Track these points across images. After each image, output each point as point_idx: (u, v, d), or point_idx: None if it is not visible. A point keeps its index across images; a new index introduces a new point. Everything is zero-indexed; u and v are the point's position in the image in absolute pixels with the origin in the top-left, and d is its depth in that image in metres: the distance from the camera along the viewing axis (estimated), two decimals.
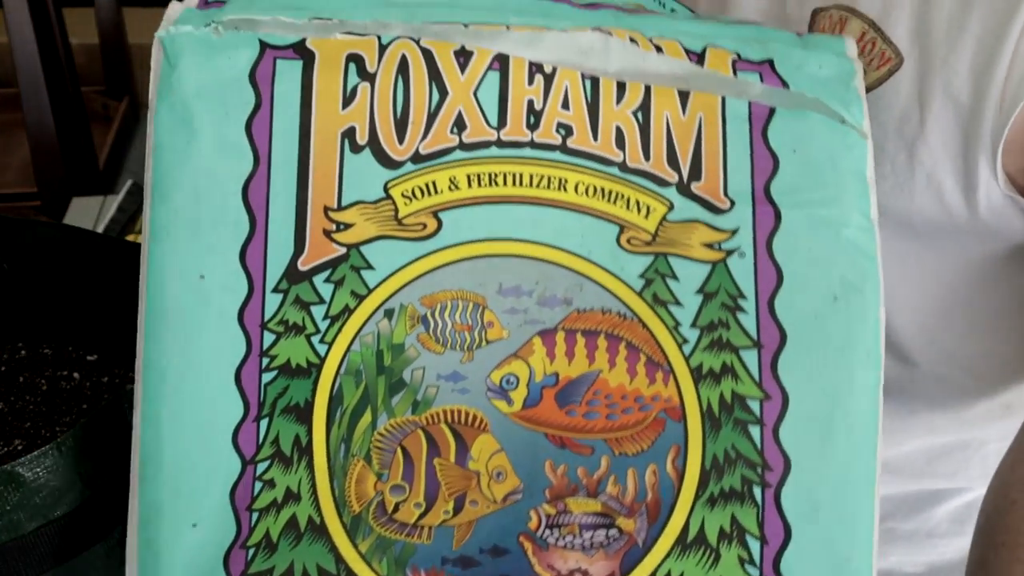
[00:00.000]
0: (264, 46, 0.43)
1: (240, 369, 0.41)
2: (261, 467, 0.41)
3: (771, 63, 0.45)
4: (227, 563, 0.41)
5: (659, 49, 0.44)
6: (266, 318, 0.42)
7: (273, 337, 0.41)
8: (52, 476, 0.48)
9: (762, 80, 0.44)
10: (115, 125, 2.01)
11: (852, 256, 0.43)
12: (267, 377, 0.41)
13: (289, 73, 0.43)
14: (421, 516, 0.41)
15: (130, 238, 1.37)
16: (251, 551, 0.41)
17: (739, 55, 0.44)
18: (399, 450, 0.41)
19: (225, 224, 0.42)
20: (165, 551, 0.41)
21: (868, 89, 0.53)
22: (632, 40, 0.44)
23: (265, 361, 0.41)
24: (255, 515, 0.41)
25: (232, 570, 0.41)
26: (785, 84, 0.44)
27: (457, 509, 0.41)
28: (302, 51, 0.43)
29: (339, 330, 0.42)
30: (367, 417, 0.41)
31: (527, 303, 0.42)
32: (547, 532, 0.41)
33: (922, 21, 0.51)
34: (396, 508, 0.41)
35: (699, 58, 0.44)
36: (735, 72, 0.44)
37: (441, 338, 0.42)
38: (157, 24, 0.47)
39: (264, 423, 0.41)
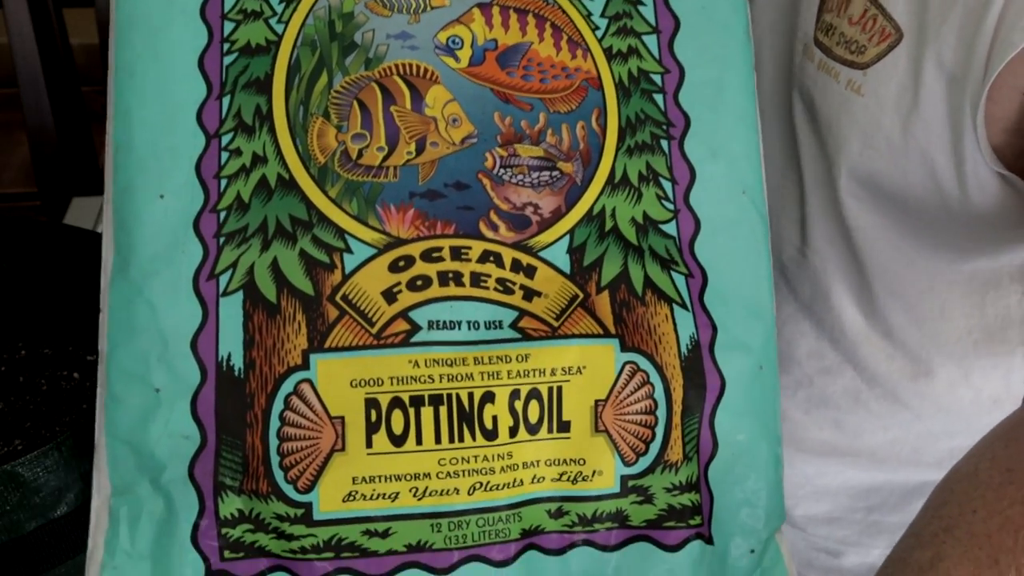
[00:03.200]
0: None
1: (203, 55, 0.47)
2: (226, 138, 0.46)
3: None
4: (197, 226, 0.45)
5: None
6: (226, 9, 0.48)
7: (233, 25, 0.47)
8: (52, 476, 0.48)
9: None
10: None
11: None
12: (228, 59, 0.47)
13: None
14: (385, 158, 0.47)
15: None
16: (222, 213, 0.45)
17: None
18: (355, 103, 0.47)
19: None
20: (135, 224, 0.45)
21: (868, 65, 0.53)
22: None
23: (226, 46, 0.47)
24: (223, 181, 0.45)
25: (203, 232, 0.45)
26: None
27: (419, 150, 0.48)
28: None
29: (293, 10, 0.48)
30: (323, 79, 0.47)
31: None
32: (502, 171, 0.48)
33: None
34: (360, 154, 0.47)
35: None
36: None
37: (388, 3, 0.49)
38: None
39: (227, 99, 0.46)
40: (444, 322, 0.45)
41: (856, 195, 0.58)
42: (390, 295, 0.45)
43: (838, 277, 0.63)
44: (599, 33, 0.51)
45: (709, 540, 0.48)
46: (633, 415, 0.47)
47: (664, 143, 0.51)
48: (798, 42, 0.60)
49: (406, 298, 0.45)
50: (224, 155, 0.46)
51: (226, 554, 0.43)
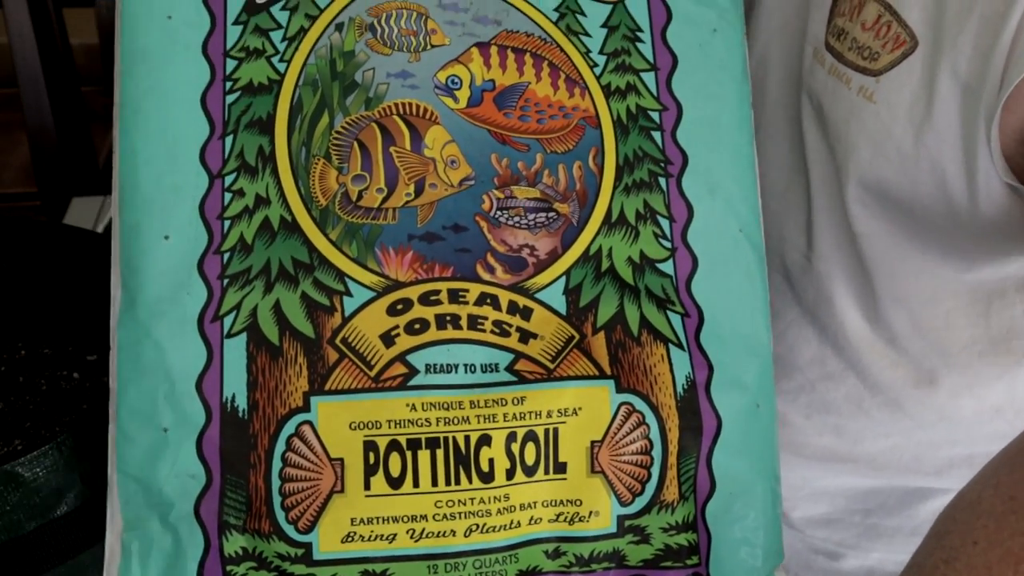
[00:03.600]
0: None
1: (205, 93, 0.47)
2: (229, 179, 0.46)
3: None
4: (202, 268, 0.45)
5: None
6: (228, 46, 0.48)
7: (235, 63, 0.47)
8: (52, 476, 0.48)
9: None
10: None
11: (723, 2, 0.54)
12: (231, 98, 0.47)
13: None
14: (384, 200, 0.48)
15: None
16: (226, 255, 0.46)
17: None
18: (355, 144, 0.48)
19: None
20: (142, 264, 0.45)
21: (881, 72, 0.53)
22: None
23: (228, 84, 0.47)
24: (227, 223, 0.46)
25: (208, 274, 0.45)
26: None
27: (418, 192, 0.48)
28: None
29: (296, 48, 0.48)
30: (324, 120, 0.48)
31: (464, 18, 0.50)
32: (499, 213, 0.48)
33: (937, 3, 0.51)
34: (360, 196, 0.47)
35: None
36: None
37: (388, 41, 0.49)
38: None
39: (229, 139, 0.47)
40: (441, 366, 0.46)
41: (863, 202, 0.58)
42: (388, 338, 0.46)
43: (843, 283, 0.63)
44: (597, 70, 0.51)
45: None
46: (629, 456, 0.47)
47: (662, 180, 0.51)
48: (808, 45, 0.59)
49: (404, 341, 0.46)
50: (227, 196, 0.46)
51: None
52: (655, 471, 0.48)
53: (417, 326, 0.46)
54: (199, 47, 0.47)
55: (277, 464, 0.44)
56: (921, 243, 0.58)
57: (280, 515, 0.44)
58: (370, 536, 0.44)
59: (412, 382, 0.45)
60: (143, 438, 0.44)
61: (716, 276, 0.51)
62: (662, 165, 0.51)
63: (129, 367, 0.45)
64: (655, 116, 0.52)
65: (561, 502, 0.46)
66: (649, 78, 0.52)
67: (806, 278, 0.65)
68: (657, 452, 0.48)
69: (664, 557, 0.48)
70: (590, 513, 0.47)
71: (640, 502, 0.47)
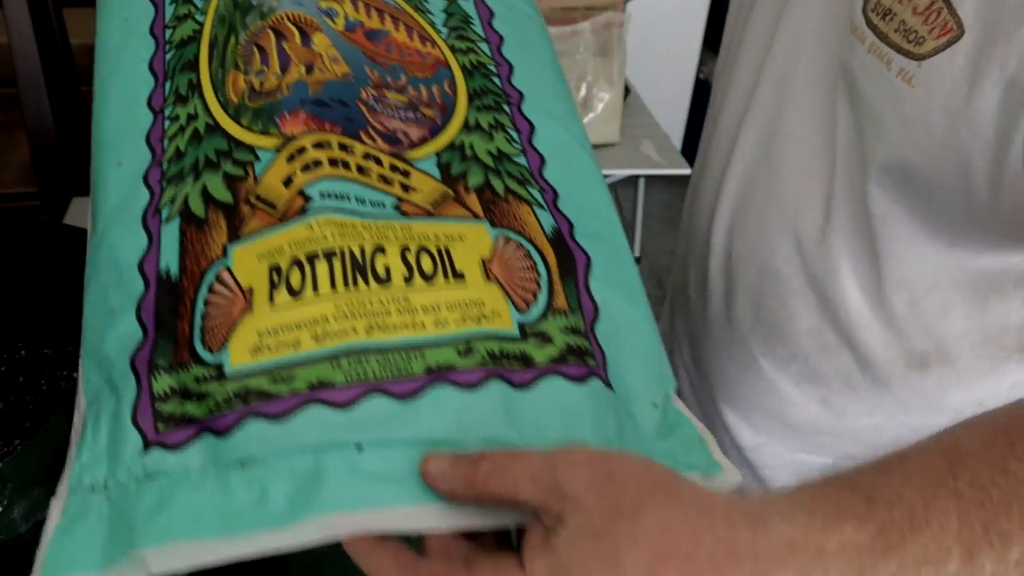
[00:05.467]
0: None
1: (152, 59, 0.59)
2: (168, 111, 0.57)
3: None
4: (146, 178, 0.54)
5: None
6: (166, 20, 0.61)
7: (171, 30, 0.61)
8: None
9: None
10: None
11: (530, 12, 0.70)
12: (169, 55, 0.59)
13: None
14: (280, 80, 0.58)
15: None
16: (165, 164, 0.55)
17: None
18: (255, 48, 0.59)
19: None
20: (101, 191, 0.55)
21: (924, 57, 0.53)
22: None
23: (168, 47, 0.60)
24: (167, 141, 0.55)
25: (151, 181, 0.54)
26: None
27: (308, 72, 0.59)
28: None
29: (209, 3, 0.62)
30: (232, 41, 0.60)
31: None
32: (374, 103, 0.59)
33: None
34: (261, 85, 0.58)
35: None
36: None
37: None
38: None
39: (168, 84, 0.58)
40: (335, 194, 0.53)
41: (883, 183, 0.59)
42: (288, 181, 0.54)
43: (851, 259, 0.65)
44: (443, 35, 0.64)
45: (608, 384, 0.51)
46: (517, 270, 0.53)
47: (506, 107, 0.62)
48: (847, 20, 0.60)
49: (300, 179, 0.54)
50: (167, 123, 0.56)
51: (159, 427, 0.46)
52: (543, 283, 0.53)
53: (312, 165, 0.54)
54: (147, 31, 0.61)
55: (200, 308, 0.49)
56: (932, 228, 0.59)
57: (198, 345, 0.48)
58: (276, 346, 0.47)
59: (308, 207, 0.51)
60: (98, 322, 0.50)
61: (562, 167, 0.60)
62: (503, 97, 0.62)
63: (90, 270, 0.52)
64: (492, 68, 0.64)
65: (464, 303, 0.50)
66: (483, 46, 0.65)
67: (818, 250, 0.66)
68: (542, 270, 0.53)
69: (569, 353, 0.51)
70: (493, 312, 0.50)
71: (536, 310, 0.52)
